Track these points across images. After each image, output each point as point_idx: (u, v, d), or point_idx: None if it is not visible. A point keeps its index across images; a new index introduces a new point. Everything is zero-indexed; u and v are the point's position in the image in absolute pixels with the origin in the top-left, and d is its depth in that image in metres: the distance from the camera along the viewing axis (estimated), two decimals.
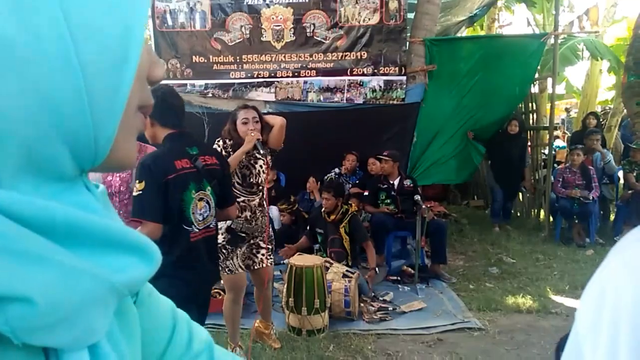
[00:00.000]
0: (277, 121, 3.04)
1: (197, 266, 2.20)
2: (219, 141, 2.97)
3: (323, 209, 4.63)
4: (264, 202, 3.08)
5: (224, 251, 2.94)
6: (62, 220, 0.35)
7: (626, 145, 6.66)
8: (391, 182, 5.11)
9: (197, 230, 2.18)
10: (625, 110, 7.50)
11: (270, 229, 3.24)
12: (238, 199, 2.94)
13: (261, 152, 2.85)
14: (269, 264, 3.14)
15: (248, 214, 2.98)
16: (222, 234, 2.95)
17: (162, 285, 2.16)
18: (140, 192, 2.02)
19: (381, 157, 5.17)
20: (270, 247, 3.15)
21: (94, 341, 0.37)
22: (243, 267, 3.00)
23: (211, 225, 2.27)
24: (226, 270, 2.94)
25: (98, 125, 0.37)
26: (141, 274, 0.41)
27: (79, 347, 0.36)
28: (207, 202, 2.24)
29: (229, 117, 3.08)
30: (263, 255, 3.09)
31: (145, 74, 0.42)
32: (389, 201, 5.10)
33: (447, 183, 7.51)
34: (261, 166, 3.00)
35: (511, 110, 6.71)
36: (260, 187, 3.02)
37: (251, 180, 2.99)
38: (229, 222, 2.95)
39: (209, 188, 2.25)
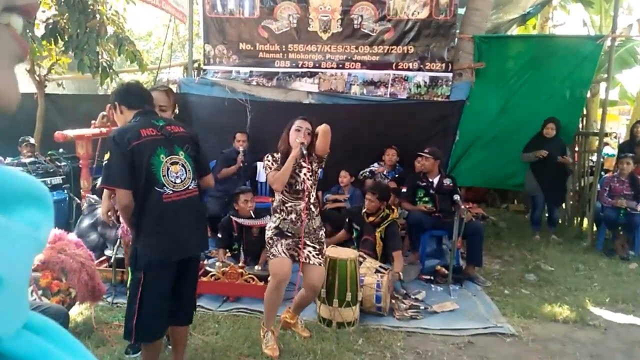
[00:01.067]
0: (321, 127, 3.07)
1: (172, 228, 2.34)
2: (268, 156, 3.11)
3: (364, 210, 4.59)
4: (311, 206, 3.09)
5: (270, 241, 3.07)
6: None
7: None
8: (430, 180, 5.04)
9: (170, 192, 2.36)
10: None
11: (322, 233, 3.21)
12: (285, 203, 3.06)
13: (304, 153, 2.95)
14: (317, 264, 3.09)
15: (293, 216, 3.05)
16: (270, 230, 3.10)
17: (137, 248, 2.25)
18: (107, 161, 2.26)
19: (422, 154, 5.09)
20: (318, 247, 3.13)
21: (25, 320, 0.33)
22: (287, 254, 3.04)
23: (191, 187, 2.41)
24: (270, 255, 3.05)
25: None
26: (49, 228, 0.36)
27: (16, 329, 0.32)
28: (183, 166, 2.44)
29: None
30: (310, 252, 3.08)
31: None
32: (427, 199, 5.03)
33: (486, 186, 7.32)
34: (305, 174, 3.04)
35: (574, 117, 6.39)
36: (307, 193, 3.04)
37: (297, 187, 3.06)
38: (277, 222, 3.07)
39: (181, 152, 2.45)
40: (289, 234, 3.07)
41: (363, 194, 5.01)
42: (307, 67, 5.95)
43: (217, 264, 4.02)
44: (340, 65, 5.89)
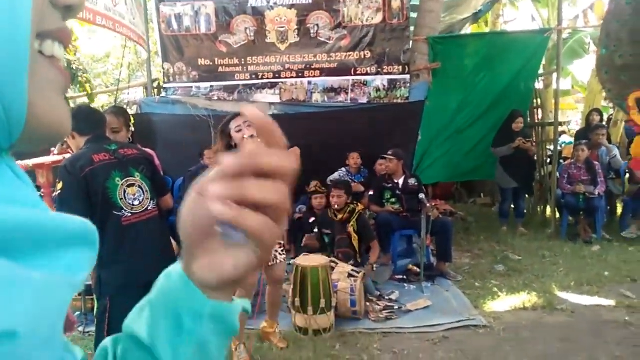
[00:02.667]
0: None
1: (135, 251, 2.33)
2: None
3: (333, 207, 4.65)
4: None
5: None
6: (10, 225, 0.29)
7: (630, 139, 6.60)
8: (396, 181, 5.14)
9: (129, 214, 2.35)
10: None
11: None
12: None
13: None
14: (282, 260, 3.18)
15: None
16: None
17: (100, 275, 2.20)
18: (60, 191, 2.22)
19: (385, 156, 5.19)
20: (282, 242, 3.23)
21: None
22: None
23: (149, 208, 2.41)
24: None
25: None
26: (92, 263, 0.39)
27: None
28: (140, 187, 2.43)
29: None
30: (276, 251, 3.14)
31: None
32: (394, 200, 5.13)
33: (454, 180, 7.48)
34: None
35: (524, 108, 6.63)
36: None
37: None
38: None
39: (137, 174, 2.44)
40: None
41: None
42: (267, 78, 5.99)
43: None
44: (300, 74, 5.95)
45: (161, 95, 6.20)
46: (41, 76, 0.33)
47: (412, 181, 5.12)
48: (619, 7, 3.05)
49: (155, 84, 6.49)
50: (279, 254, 3.16)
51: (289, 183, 0.40)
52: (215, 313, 0.45)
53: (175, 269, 0.47)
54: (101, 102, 12.16)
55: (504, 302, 4.06)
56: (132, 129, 3.47)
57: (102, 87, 13.36)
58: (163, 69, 6.08)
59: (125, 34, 5.11)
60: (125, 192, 2.36)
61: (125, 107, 7.91)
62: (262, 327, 3.41)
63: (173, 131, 5.88)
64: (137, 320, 0.47)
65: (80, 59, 5.26)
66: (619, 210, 6.75)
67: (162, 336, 0.45)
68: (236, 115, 2.96)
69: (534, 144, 6.89)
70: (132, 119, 3.18)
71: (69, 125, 0.37)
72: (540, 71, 7.43)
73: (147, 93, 6.42)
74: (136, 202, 2.39)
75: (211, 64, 6.00)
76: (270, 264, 3.13)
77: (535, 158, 7.03)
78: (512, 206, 6.56)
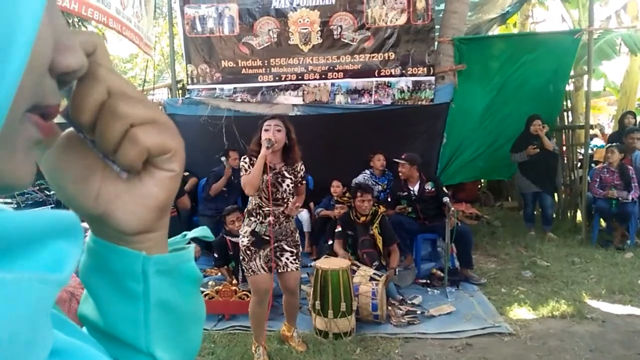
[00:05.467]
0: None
1: None
2: (245, 158, 3.04)
3: (355, 212, 4.57)
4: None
5: (248, 252, 3.01)
6: None
7: None
8: (411, 187, 5.00)
9: None
10: None
11: (297, 234, 3.23)
12: (263, 208, 3.01)
13: (267, 146, 2.87)
14: (294, 269, 3.12)
15: (271, 218, 3.01)
16: (246, 237, 3.01)
17: None
18: None
19: (398, 160, 5.06)
20: (295, 251, 3.14)
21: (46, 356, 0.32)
22: (266, 268, 3.02)
23: None
24: (249, 271, 3.02)
25: None
26: (76, 259, 0.36)
27: None
28: None
29: (256, 120, 3.15)
30: (287, 259, 3.09)
31: (45, 62, 0.32)
32: (410, 209, 5.02)
33: (475, 179, 7.32)
34: (288, 185, 3.03)
35: (554, 110, 6.51)
36: (286, 200, 3.05)
37: (278, 196, 3.02)
38: (253, 226, 3.01)
39: None
40: (267, 237, 3.02)
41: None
42: (291, 80, 5.96)
43: (210, 282, 4.00)
44: (323, 76, 5.91)
45: (185, 96, 6.25)
46: (13, 132, 0.32)
47: (428, 186, 4.96)
48: None
49: (179, 85, 6.54)
50: (291, 262, 3.10)
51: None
52: (160, 268, 0.42)
53: (87, 243, 0.43)
54: None
55: (531, 310, 3.93)
56: None
57: None
58: (187, 70, 6.12)
59: (129, 37, 5.15)
60: None
61: None
62: (281, 330, 3.39)
63: (196, 132, 5.90)
64: (86, 305, 0.44)
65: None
66: None
67: (118, 313, 0.42)
68: (275, 116, 3.07)
69: (561, 147, 6.73)
70: None
71: (27, 182, 0.35)
72: (571, 73, 7.25)
73: (171, 94, 6.47)
74: None
75: (234, 65, 6.01)
76: (280, 271, 3.09)
77: (566, 161, 6.85)
78: (538, 211, 6.41)
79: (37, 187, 5.23)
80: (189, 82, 6.15)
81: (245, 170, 2.99)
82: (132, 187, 0.40)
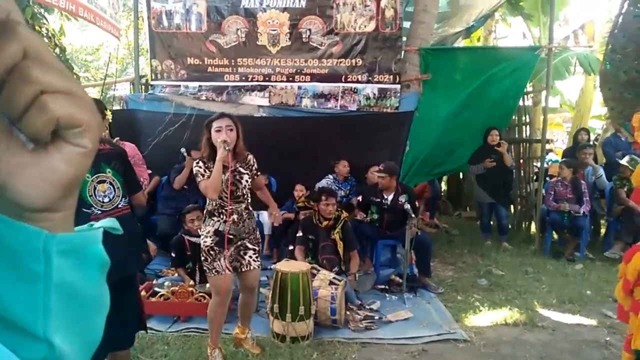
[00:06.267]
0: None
1: (105, 248, 2.21)
2: (198, 162, 2.97)
3: (319, 215, 4.54)
4: (249, 206, 3.11)
5: (212, 252, 2.96)
6: None
7: (608, 161, 6.70)
8: (385, 196, 5.00)
9: (99, 212, 2.27)
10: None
11: (258, 233, 3.22)
12: (225, 207, 2.97)
13: (226, 148, 2.82)
14: (256, 267, 3.11)
15: (235, 216, 2.99)
16: (209, 237, 2.95)
17: None
18: None
19: (378, 174, 5.03)
20: (257, 248, 3.13)
21: None
22: (230, 268, 2.98)
23: (120, 205, 2.32)
24: (213, 271, 2.97)
25: None
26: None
27: None
28: (111, 183, 2.34)
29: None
30: (250, 257, 3.07)
31: None
32: (376, 217, 5.04)
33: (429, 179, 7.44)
34: (247, 180, 3.04)
35: (506, 123, 6.77)
36: (246, 196, 3.05)
37: (238, 193, 3.00)
38: (216, 225, 2.96)
39: (109, 170, 2.35)
40: (231, 237, 2.98)
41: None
42: (257, 81, 5.92)
43: (166, 283, 3.90)
44: (290, 79, 5.90)
45: (148, 92, 6.10)
46: None
47: (402, 198, 4.96)
48: (626, 20, 3.02)
49: (143, 81, 6.38)
50: (253, 260, 3.08)
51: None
52: (64, 247, 0.39)
53: None
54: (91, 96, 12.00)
55: (485, 317, 4.01)
56: (110, 120, 3.37)
57: (91, 80, 13.20)
58: (151, 65, 5.98)
59: (104, 27, 5.01)
60: (95, 188, 2.27)
61: (111, 102, 7.80)
62: (234, 333, 3.32)
63: (157, 129, 5.78)
64: None
65: (65, 52, 5.15)
66: (603, 230, 6.77)
67: (13, 295, 0.38)
68: (223, 115, 2.95)
69: (518, 160, 6.96)
70: (108, 112, 3.09)
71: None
72: (530, 89, 7.49)
73: (133, 89, 6.31)
74: (106, 200, 2.30)
75: (200, 63, 5.92)
76: (243, 270, 3.06)
77: (523, 174, 7.06)
78: (495, 221, 6.58)
79: None
80: (153, 77, 6.01)
81: (202, 176, 2.92)
82: (37, 159, 0.37)
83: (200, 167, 2.94)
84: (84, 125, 0.37)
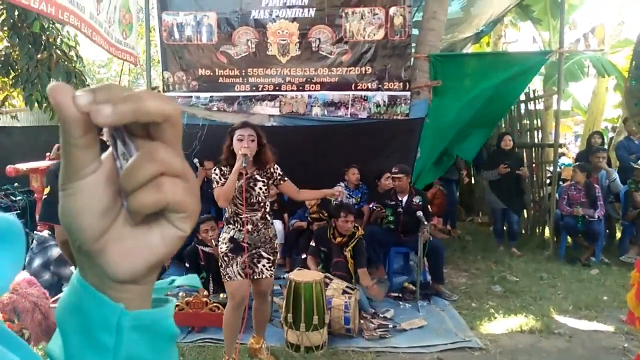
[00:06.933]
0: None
1: None
2: (215, 169, 3.04)
3: (334, 231, 4.51)
4: (267, 216, 3.13)
5: (226, 259, 3.01)
6: None
7: (622, 165, 6.64)
8: (400, 199, 5.02)
9: None
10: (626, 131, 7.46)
11: (277, 242, 3.25)
12: (241, 215, 3.01)
13: (244, 165, 2.87)
14: (269, 276, 3.13)
15: (250, 227, 3.02)
16: (225, 244, 3.02)
17: None
18: (46, 196, 2.19)
19: (394, 176, 5.05)
20: (272, 258, 3.14)
21: None
22: (243, 275, 3.00)
23: None
24: (226, 277, 3.02)
25: None
26: (16, 261, 0.36)
27: None
28: None
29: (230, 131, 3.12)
30: (264, 266, 3.09)
31: None
32: (392, 219, 5.04)
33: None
34: (261, 188, 3.05)
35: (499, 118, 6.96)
36: (262, 204, 3.07)
37: (252, 201, 3.03)
38: (232, 233, 3.02)
39: None
40: (245, 245, 3.01)
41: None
42: (268, 91, 5.96)
43: (181, 294, 3.92)
44: (301, 88, 5.93)
45: None
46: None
47: (416, 200, 4.99)
48: None
49: (155, 92, 6.45)
50: (267, 269, 3.10)
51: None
52: (137, 324, 0.40)
53: (72, 280, 0.41)
54: None
55: (500, 324, 3.98)
56: None
57: None
58: (163, 77, 6.06)
59: (98, 42, 5.08)
60: None
61: None
62: (250, 344, 3.33)
63: None
64: (55, 342, 0.42)
65: (79, 65, 5.24)
66: (618, 234, 6.69)
67: (81, 357, 0.39)
68: (246, 124, 3.02)
69: (531, 165, 6.92)
70: None
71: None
72: (541, 93, 7.44)
73: None
74: None
75: (212, 74, 5.97)
76: (256, 277, 3.08)
77: (536, 179, 7.01)
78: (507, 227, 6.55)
79: (4, 193, 5.07)
80: (165, 89, 6.08)
81: (217, 183, 2.97)
82: (138, 234, 0.38)
83: (217, 174, 3.01)
84: (189, 212, 0.38)
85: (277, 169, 3.14)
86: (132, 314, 0.39)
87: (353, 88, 5.88)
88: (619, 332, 3.81)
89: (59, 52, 4.97)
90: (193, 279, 0.52)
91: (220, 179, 2.97)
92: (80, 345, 0.39)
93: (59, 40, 5.77)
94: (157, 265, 0.40)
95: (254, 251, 3.06)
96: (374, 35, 5.79)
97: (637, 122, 3.29)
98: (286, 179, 3.18)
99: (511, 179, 6.18)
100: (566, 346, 3.61)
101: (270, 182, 3.11)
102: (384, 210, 5.05)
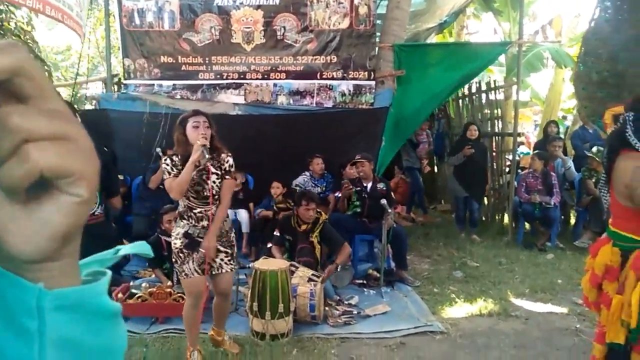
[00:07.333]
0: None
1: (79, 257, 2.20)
2: (166, 159, 2.89)
3: (297, 218, 4.51)
4: None
5: (181, 255, 2.92)
6: None
7: (577, 153, 6.91)
8: (365, 184, 5.12)
9: None
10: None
11: (232, 234, 3.17)
12: (194, 210, 2.92)
13: (207, 156, 2.78)
14: (229, 270, 3.05)
15: (205, 222, 2.93)
16: (179, 239, 2.94)
17: None
18: None
19: (357, 161, 5.15)
20: (230, 251, 3.06)
21: None
22: (199, 271, 2.95)
23: (97, 213, 2.28)
24: (182, 274, 2.95)
25: None
26: None
27: None
28: None
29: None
30: (222, 260, 3.01)
31: None
32: (358, 204, 5.12)
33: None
34: (214, 181, 2.91)
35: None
36: (216, 197, 2.94)
37: (205, 193, 2.91)
38: (185, 228, 2.94)
39: None
40: (200, 239, 2.93)
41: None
42: (232, 79, 5.89)
43: (144, 284, 3.88)
44: (266, 76, 5.88)
45: (121, 91, 6.02)
46: None
47: (380, 186, 5.12)
48: (598, 24, 3.16)
49: (115, 80, 6.30)
50: (225, 263, 3.02)
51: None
52: (60, 303, 0.36)
53: None
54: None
55: (461, 308, 4.11)
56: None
57: (62, 80, 12.92)
58: (123, 64, 5.90)
59: (71, 26, 4.91)
60: None
61: (83, 101, 7.67)
62: (210, 335, 3.29)
63: (132, 129, 5.71)
64: None
65: (35, 49, 5.04)
66: (572, 220, 6.97)
67: (10, 351, 0.36)
68: (198, 112, 2.93)
69: (491, 153, 7.11)
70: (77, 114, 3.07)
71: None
72: (501, 83, 7.62)
73: (106, 88, 6.22)
74: None
75: (174, 61, 5.86)
76: (214, 272, 3.02)
77: (495, 167, 7.21)
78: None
79: None
80: (126, 76, 5.93)
81: (169, 173, 2.84)
82: (30, 211, 0.35)
83: (167, 164, 2.86)
84: (76, 175, 0.34)
85: (229, 161, 3.00)
86: (53, 293, 0.36)
87: (318, 77, 5.88)
88: (572, 314, 3.99)
89: (13, 36, 4.77)
90: (141, 246, 0.47)
91: (172, 170, 2.84)
92: (8, 334, 0.36)
93: (12, 24, 5.55)
94: (67, 237, 0.37)
95: None
96: (339, 24, 5.79)
97: (583, 106, 3.46)
98: (229, 177, 3.00)
99: (474, 167, 6.35)
100: (522, 328, 3.76)
101: (222, 173, 2.98)
102: (351, 187, 5.10)
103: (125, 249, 0.47)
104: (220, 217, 2.96)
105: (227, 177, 2.99)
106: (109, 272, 0.43)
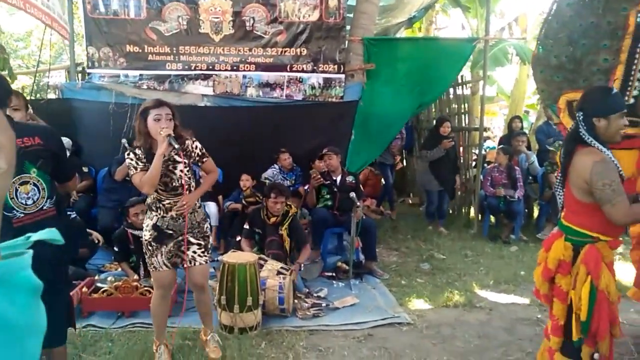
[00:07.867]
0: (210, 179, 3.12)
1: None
2: (129, 154, 2.80)
3: (267, 211, 4.50)
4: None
5: (150, 247, 2.87)
6: None
7: (540, 148, 7.11)
8: (334, 178, 5.16)
9: (21, 215, 2.19)
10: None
11: (207, 225, 3.10)
12: (163, 201, 2.85)
13: (176, 147, 2.72)
14: (203, 262, 2.97)
15: (173, 213, 2.85)
16: (148, 231, 2.88)
17: None
18: None
19: (324, 154, 5.18)
20: (203, 243, 2.98)
21: None
22: (169, 264, 2.90)
23: (45, 207, 2.24)
24: (151, 266, 2.90)
25: None
26: None
27: None
28: (35, 185, 2.24)
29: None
30: (195, 252, 2.94)
31: None
32: (328, 197, 5.14)
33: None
34: (182, 170, 2.84)
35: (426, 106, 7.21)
36: (186, 187, 2.86)
37: (174, 184, 2.84)
38: (154, 220, 2.87)
39: (34, 170, 2.23)
40: (170, 232, 2.87)
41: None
42: (201, 70, 5.81)
43: (109, 278, 3.80)
44: (235, 68, 5.82)
45: (85, 80, 5.85)
46: None
47: (349, 179, 5.18)
48: (560, 8, 3.19)
49: (79, 68, 6.12)
50: (199, 255, 2.95)
51: None
52: None
53: None
54: (22, 84, 11.34)
55: (427, 300, 4.18)
56: (30, 110, 3.25)
57: (23, 68, 12.48)
58: (87, 53, 5.73)
59: (35, 15, 4.74)
60: (17, 190, 2.15)
61: (46, 90, 7.43)
62: (201, 337, 3.22)
63: (97, 119, 5.57)
64: None
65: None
66: (535, 213, 7.17)
67: None
68: (161, 102, 2.83)
69: (458, 148, 7.24)
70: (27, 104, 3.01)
71: None
72: (468, 78, 7.75)
73: (69, 77, 6.04)
74: (30, 202, 2.20)
75: (140, 51, 5.73)
76: (186, 265, 2.95)
77: (462, 161, 7.34)
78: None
79: None
80: (90, 65, 5.76)
81: (135, 169, 2.76)
82: None
83: (132, 159, 2.77)
84: None
85: (197, 147, 2.93)
86: None
87: (288, 69, 5.86)
88: (533, 304, 4.11)
89: None
90: (51, 232, 0.49)
91: (137, 164, 2.75)
92: None
93: None
94: None
95: (179, 238, 2.90)
96: (309, 16, 5.77)
97: (540, 89, 3.54)
98: (206, 158, 2.97)
99: (449, 161, 6.47)
100: (486, 318, 3.86)
101: (191, 161, 2.91)
102: (320, 178, 5.12)
103: (36, 235, 0.47)
104: (208, 182, 3.07)
105: (204, 159, 2.97)
106: (30, 251, 0.43)
